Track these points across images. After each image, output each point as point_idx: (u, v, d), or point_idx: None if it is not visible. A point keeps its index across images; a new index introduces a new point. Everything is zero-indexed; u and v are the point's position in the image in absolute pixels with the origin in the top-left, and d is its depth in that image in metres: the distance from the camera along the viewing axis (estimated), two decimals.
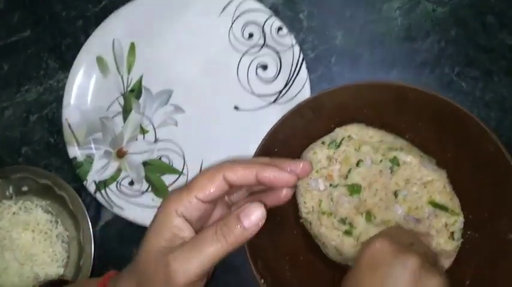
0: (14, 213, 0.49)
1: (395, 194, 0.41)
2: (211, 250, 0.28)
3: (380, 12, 0.49)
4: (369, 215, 0.41)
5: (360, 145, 0.42)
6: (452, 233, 0.40)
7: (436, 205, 0.40)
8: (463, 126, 0.39)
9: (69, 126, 0.49)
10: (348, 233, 0.41)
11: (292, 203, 0.42)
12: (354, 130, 0.43)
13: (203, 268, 0.28)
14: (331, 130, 0.42)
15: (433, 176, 0.41)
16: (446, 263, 0.41)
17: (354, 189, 0.42)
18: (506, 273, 0.37)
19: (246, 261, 0.37)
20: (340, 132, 0.42)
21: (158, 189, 0.48)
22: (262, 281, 0.36)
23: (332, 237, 0.41)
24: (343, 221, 0.41)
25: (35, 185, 0.49)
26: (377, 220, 0.40)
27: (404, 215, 0.41)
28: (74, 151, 0.48)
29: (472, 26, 0.48)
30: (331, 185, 0.42)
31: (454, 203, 0.41)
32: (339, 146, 0.42)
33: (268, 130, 0.39)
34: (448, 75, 0.47)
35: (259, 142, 0.39)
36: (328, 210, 0.42)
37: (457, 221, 0.40)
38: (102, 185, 0.48)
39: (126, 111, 0.50)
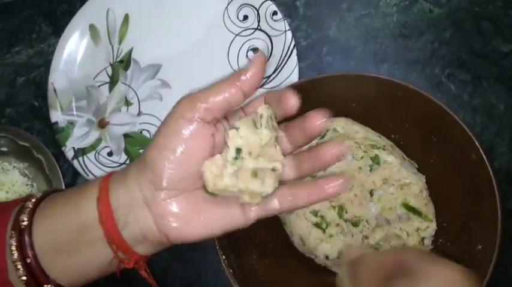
0: None
1: (371, 192, 0.40)
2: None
3: (377, 7, 0.49)
4: (340, 210, 0.40)
5: (343, 139, 0.42)
6: (423, 238, 0.40)
7: (409, 208, 0.40)
8: (450, 131, 0.38)
9: (55, 90, 0.49)
10: (317, 225, 0.41)
11: None
12: (340, 123, 0.42)
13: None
14: None
15: (412, 179, 0.40)
16: None
17: None
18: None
19: (214, 242, 0.36)
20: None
21: None
22: (224, 257, 0.36)
23: (301, 226, 0.41)
24: (315, 213, 0.41)
25: (14, 146, 0.48)
26: (348, 215, 0.40)
27: (377, 215, 0.40)
28: (57, 116, 0.48)
29: (467, 29, 0.47)
30: (310, 175, 0.41)
31: (428, 209, 0.41)
32: (323, 137, 0.42)
33: None
34: (438, 76, 0.47)
35: None
36: None
37: (429, 228, 0.40)
38: (80, 152, 0.48)
39: (112, 82, 0.49)
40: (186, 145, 0.28)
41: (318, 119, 0.29)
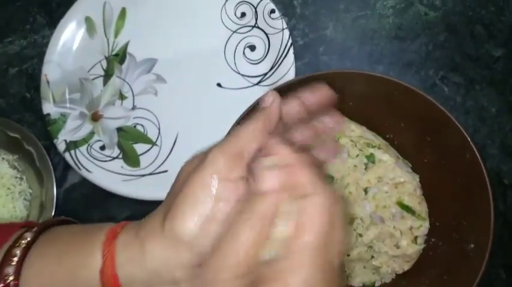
0: None
1: (366, 190, 0.41)
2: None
3: (373, 8, 0.49)
4: None
5: (339, 137, 0.42)
6: (416, 237, 0.40)
7: (403, 207, 0.40)
8: (445, 131, 0.39)
9: (48, 82, 0.48)
10: None
11: None
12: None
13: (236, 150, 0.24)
14: None
15: (406, 178, 0.41)
16: (406, 266, 0.41)
17: (326, 180, 0.41)
18: (464, 283, 0.36)
19: None
20: None
21: (129, 157, 0.47)
22: None
23: None
24: None
25: (4, 137, 0.47)
26: None
27: (371, 213, 0.40)
28: (49, 107, 0.47)
29: (461, 33, 0.48)
30: None
31: (421, 208, 0.41)
32: None
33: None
34: (432, 78, 0.48)
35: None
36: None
37: (422, 226, 0.40)
38: (72, 145, 0.47)
39: (107, 75, 0.49)
40: (232, 210, 0.23)
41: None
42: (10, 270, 0.25)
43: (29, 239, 0.26)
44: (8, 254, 0.26)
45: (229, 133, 0.26)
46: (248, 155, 0.24)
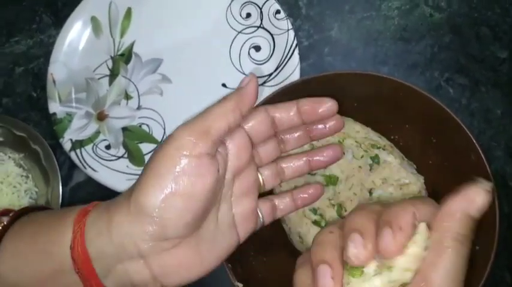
0: None
1: (370, 191, 0.41)
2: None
3: (379, 10, 0.49)
4: (340, 208, 0.41)
5: (344, 138, 0.42)
6: None
7: None
8: (450, 132, 0.39)
9: (54, 81, 0.48)
10: (316, 223, 0.41)
11: None
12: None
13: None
14: None
15: (411, 179, 0.41)
16: None
17: (331, 180, 0.41)
18: (469, 284, 0.36)
19: None
20: None
21: (134, 156, 0.47)
22: None
23: (300, 224, 0.41)
24: (314, 210, 0.41)
25: (10, 136, 0.48)
26: (347, 213, 0.40)
27: None
28: (55, 107, 0.48)
29: (466, 35, 0.48)
30: (309, 173, 0.41)
31: None
32: None
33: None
34: (437, 79, 0.48)
35: None
36: None
37: None
38: (78, 144, 0.47)
39: (113, 75, 0.49)
40: (195, 187, 0.24)
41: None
42: None
43: (4, 223, 0.27)
44: None
45: (201, 111, 0.27)
46: (216, 132, 0.25)
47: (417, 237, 0.22)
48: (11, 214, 0.28)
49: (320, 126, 0.31)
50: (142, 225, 0.24)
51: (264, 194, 0.33)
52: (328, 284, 0.21)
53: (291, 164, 0.32)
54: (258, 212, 0.31)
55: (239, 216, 0.29)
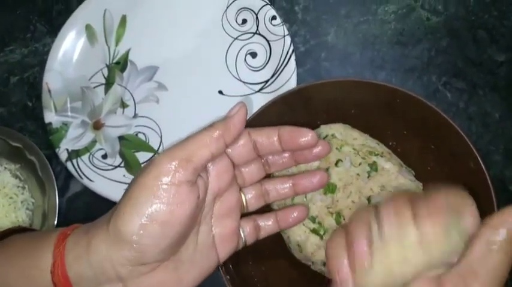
0: None
1: (369, 199, 0.40)
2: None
3: (375, 14, 0.49)
4: (338, 216, 0.40)
5: (341, 145, 0.42)
6: None
7: None
8: (448, 138, 0.39)
9: (49, 91, 0.48)
10: (315, 231, 0.40)
11: None
12: (339, 129, 0.42)
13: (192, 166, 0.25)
14: (317, 127, 0.42)
15: (409, 186, 0.40)
16: None
17: (329, 188, 0.41)
18: None
19: None
20: (324, 130, 0.42)
21: (131, 165, 0.47)
22: (221, 264, 0.35)
23: (298, 232, 0.40)
24: (313, 219, 0.40)
25: (6, 147, 0.47)
26: (345, 221, 0.40)
27: None
28: (50, 116, 0.47)
29: (463, 38, 0.48)
30: None
31: None
32: None
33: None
34: (434, 83, 0.47)
35: None
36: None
37: None
38: (74, 154, 0.47)
39: (108, 83, 0.49)
40: (173, 215, 0.25)
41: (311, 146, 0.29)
42: None
43: None
44: None
45: (185, 138, 0.27)
46: (198, 160, 0.26)
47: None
48: None
49: (306, 151, 0.30)
50: (121, 250, 0.25)
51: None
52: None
53: (276, 187, 0.32)
54: (240, 233, 0.31)
55: (219, 236, 0.29)
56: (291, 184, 0.32)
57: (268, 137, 0.29)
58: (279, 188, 0.32)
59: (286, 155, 0.31)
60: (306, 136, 0.29)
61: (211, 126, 0.27)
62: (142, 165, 0.47)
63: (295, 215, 0.33)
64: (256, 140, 0.29)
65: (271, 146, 0.29)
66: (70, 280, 0.25)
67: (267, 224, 0.32)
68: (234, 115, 0.27)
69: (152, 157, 0.47)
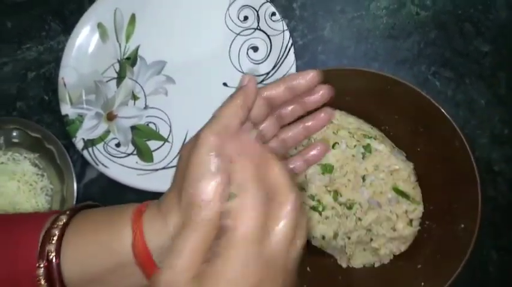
0: (2, 163, 0.50)
1: (363, 178, 0.44)
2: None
3: (368, 9, 0.52)
4: (335, 194, 0.44)
5: (338, 129, 0.45)
6: (411, 220, 0.44)
7: (398, 192, 0.44)
8: (436, 122, 0.42)
9: (65, 85, 0.51)
10: (314, 208, 0.44)
11: None
12: (335, 116, 0.46)
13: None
14: None
15: (400, 165, 0.44)
16: (403, 247, 0.44)
17: (327, 168, 0.45)
18: (455, 260, 0.39)
19: None
20: None
21: (143, 153, 0.51)
22: None
23: None
24: (312, 197, 0.44)
25: (25, 137, 0.51)
26: (342, 199, 0.43)
27: (369, 198, 0.44)
28: (67, 109, 0.51)
29: (450, 31, 0.51)
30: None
31: (415, 193, 0.44)
32: None
33: None
34: (424, 73, 0.51)
35: None
36: (301, 185, 0.45)
37: (417, 210, 0.44)
38: (90, 143, 0.50)
39: (120, 77, 0.52)
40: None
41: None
42: (51, 247, 0.29)
43: (64, 220, 0.30)
44: (48, 234, 0.29)
45: (213, 114, 0.29)
46: (233, 129, 0.28)
47: None
48: (67, 212, 0.31)
49: (312, 97, 0.33)
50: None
51: None
52: None
53: (291, 134, 0.34)
54: None
55: None
56: (302, 127, 0.34)
57: (277, 89, 0.31)
58: (294, 133, 0.34)
59: (295, 105, 0.33)
60: (309, 74, 0.31)
61: (232, 97, 0.29)
62: (153, 152, 0.51)
63: (319, 148, 0.35)
64: (267, 96, 0.31)
65: (281, 95, 0.31)
66: (150, 251, 0.28)
67: (297, 165, 0.35)
68: (248, 83, 0.30)
69: (163, 144, 0.51)
